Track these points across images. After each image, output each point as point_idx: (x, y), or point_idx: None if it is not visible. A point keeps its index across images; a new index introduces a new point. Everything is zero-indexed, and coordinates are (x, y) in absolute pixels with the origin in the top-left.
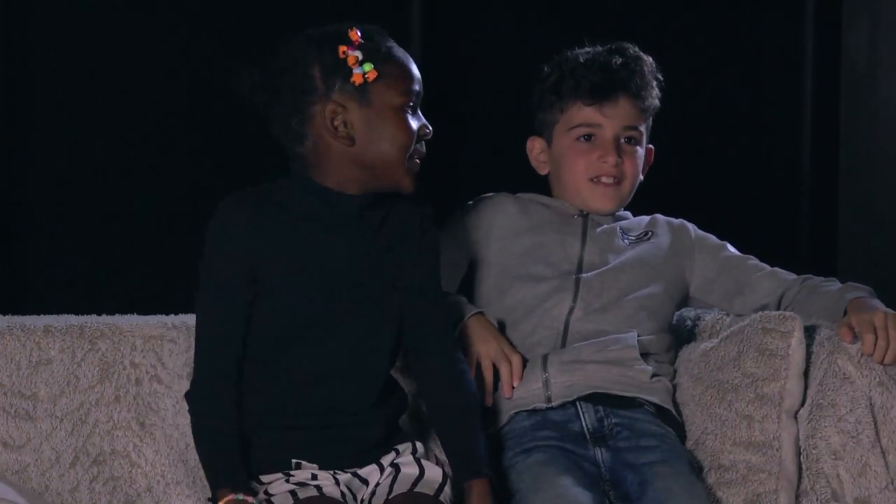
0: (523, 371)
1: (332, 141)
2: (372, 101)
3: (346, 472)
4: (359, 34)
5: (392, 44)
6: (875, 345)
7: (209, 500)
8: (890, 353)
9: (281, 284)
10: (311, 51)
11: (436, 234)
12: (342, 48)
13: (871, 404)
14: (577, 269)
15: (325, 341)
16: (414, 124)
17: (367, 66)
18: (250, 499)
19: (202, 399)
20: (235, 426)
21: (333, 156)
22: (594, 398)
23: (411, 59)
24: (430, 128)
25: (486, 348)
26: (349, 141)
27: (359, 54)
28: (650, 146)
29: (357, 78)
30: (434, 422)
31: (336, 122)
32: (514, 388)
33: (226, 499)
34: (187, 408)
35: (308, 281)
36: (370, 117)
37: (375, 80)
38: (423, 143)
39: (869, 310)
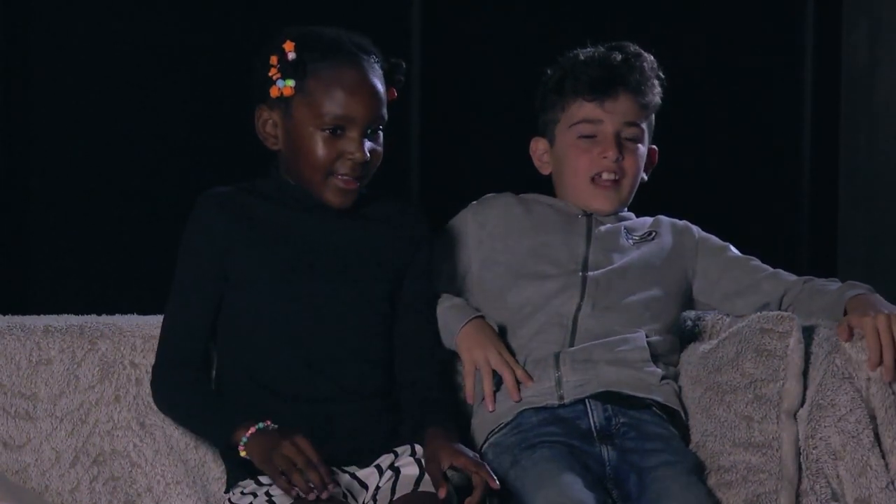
0: (526, 373)
1: (268, 144)
2: (293, 115)
3: (345, 473)
4: (293, 46)
5: (332, 63)
6: (881, 355)
7: (229, 447)
8: (888, 365)
9: (254, 275)
10: (261, 54)
11: (430, 246)
12: (273, 58)
13: (870, 405)
14: (582, 268)
15: (305, 328)
16: (329, 147)
17: (288, 83)
18: (269, 423)
19: (165, 381)
20: (211, 393)
21: (279, 156)
22: (604, 397)
23: (355, 85)
24: (360, 153)
25: (483, 354)
26: (277, 145)
27: (280, 70)
28: (654, 147)
29: (273, 91)
30: (400, 395)
31: (267, 128)
32: (519, 390)
33: (249, 432)
34: (154, 401)
35: (280, 268)
36: (290, 130)
37: (297, 96)
38: (357, 166)
39: (869, 308)
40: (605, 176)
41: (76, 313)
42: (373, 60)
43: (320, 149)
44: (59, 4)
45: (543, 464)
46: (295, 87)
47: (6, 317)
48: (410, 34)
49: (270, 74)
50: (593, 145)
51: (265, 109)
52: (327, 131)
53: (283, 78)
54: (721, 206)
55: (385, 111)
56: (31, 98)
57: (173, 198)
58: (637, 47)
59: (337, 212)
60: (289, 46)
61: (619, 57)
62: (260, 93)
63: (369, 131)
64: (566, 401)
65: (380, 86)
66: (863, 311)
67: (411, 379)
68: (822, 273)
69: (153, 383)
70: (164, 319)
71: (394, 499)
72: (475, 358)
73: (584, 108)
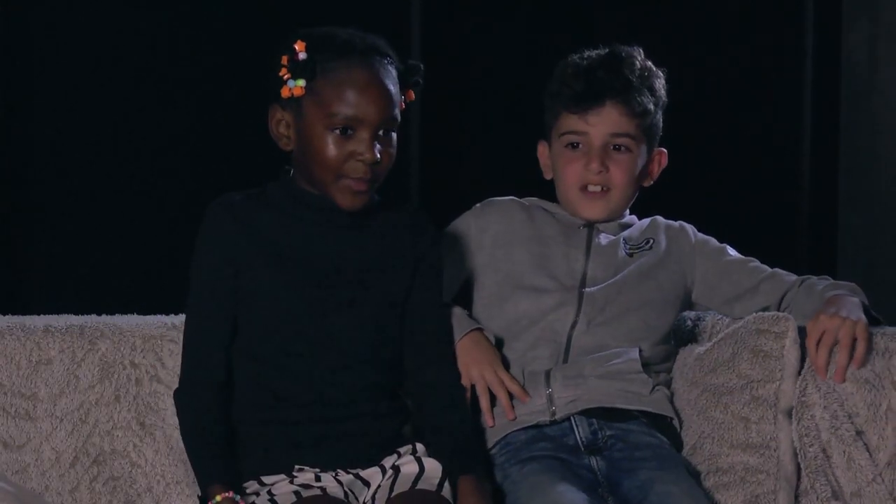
0: (523, 389)
1: (281, 145)
2: (304, 115)
3: (349, 474)
4: (304, 46)
5: (343, 63)
6: (825, 356)
7: (199, 497)
8: (820, 366)
9: (265, 283)
10: (274, 54)
11: (438, 252)
12: (284, 58)
13: (852, 402)
14: (580, 284)
15: (314, 340)
16: (339, 148)
17: (299, 82)
18: (241, 502)
19: (190, 398)
20: (223, 425)
21: (293, 159)
22: (590, 411)
23: (365, 85)
24: (370, 154)
25: (479, 371)
26: (290, 146)
27: (291, 70)
28: (662, 150)
29: (284, 91)
30: (429, 439)
31: (280, 128)
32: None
33: (223, 495)
34: (175, 408)
35: (289, 279)
36: (301, 130)
37: (306, 96)
38: (367, 169)
39: (831, 308)
40: (591, 188)
41: (76, 313)
42: (386, 62)
43: (330, 149)
44: (60, 6)
45: (535, 475)
46: (305, 88)
47: (6, 317)
48: (410, 34)
49: (281, 74)
50: (579, 156)
51: (278, 109)
52: (337, 131)
53: (294, 78)
54: (721, 206)
55: (397, 113)
56: (32, 98)
57: (174, 198)
58: (631, 52)
59: (345, 221)
60: (300, 46)
61: (605, 66)
62: (273, 93)
63: (381, 133)
64: (557, 417)
65: (391, 87)
66: (822, 311)
67: (434, 396)
68: (822, 273)
69: (176, 394)
70: (184, 333)
71: (391, 496)
72: (471, 374)
73: (570, 120)
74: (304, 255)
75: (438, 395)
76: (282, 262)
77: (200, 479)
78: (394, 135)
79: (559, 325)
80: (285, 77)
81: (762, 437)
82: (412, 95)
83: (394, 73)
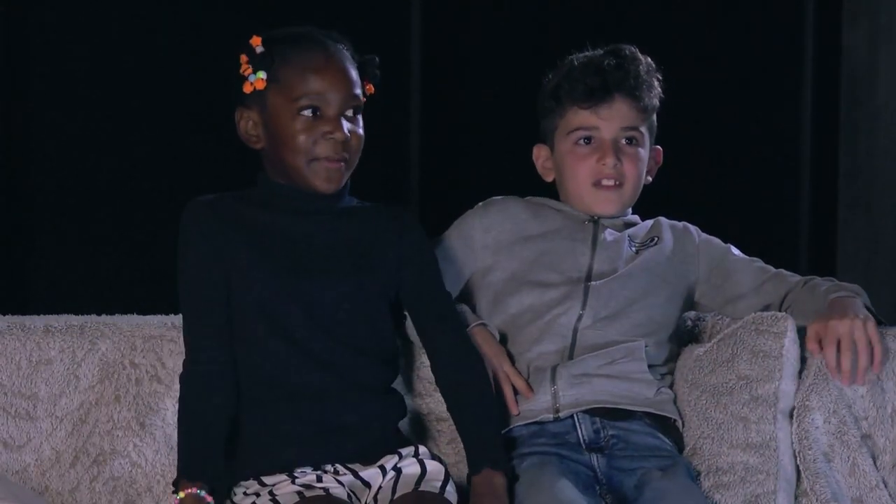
0: (528, 384)
1: (251, 144)
2: (269, 106)
3: (348, 473)
4: (260, 40)
5: (300, 48)
6: (837, 360)
7: (172, 484)
8: (846, 371)
9: (249, 273)
10: (235, 57)
11: (423, 236)
12: (243, 56)
13: (861, 404)
14: (586, 277)
15: (301, 331)
16: (307, 131)
17: (259, 75)
18: (209, 498)
19: (188, 385)
20: (216, 417)
21: (263, 156)
22: (592, 410)
23: (324, 65)
24: (340, 132)
25: (484, 366)
26: (260, 143)
27: (251, 64)
28: (658, 147)
29: (247, 87)
30: (451, 408)
31: (246, 127)
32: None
33: (187, 491)
34: (179, 392)
35: (272, 268)
36: (268, 122)
37: (270, 86)
38: (338, 146)
39: (837, 312)
40: (605, 182)
41: (76, 313)
42: (342, 48)
43: (299, 133)
44: (60, 7)
45: (533, 470)
46: (267, 79)
47: (6, 317)
48: (410, 34)
49: (242, 71)
50: (591, 152)
51: (243, 110)
52: (304, 115)
53: (255, 72)
54: (721, 206)
55: (359, 92)
56: (31, 99)
57: (173, 198)
58: (633, 50)
59: (327, 211)
60: (256, 41)
61: (613, 62)
62: (237, 94)
63: (347, 113)
64: (561, 414)
65: (350, 68)
66: (831, 315)
67: (454, 379)
68: (822, 273)
69: (180, 378)
70: (184, 323)
71: (394, 498)
72: None
73: (580, 116)
74: (286, 242)
75: (454, 367)
76: (265, 249)
77: (180, 468)
78: (360, 117)
79: (565, 319)
80: (246, 73)
81: (762, 437)
82: (372, 88)
83: (350, 57)
